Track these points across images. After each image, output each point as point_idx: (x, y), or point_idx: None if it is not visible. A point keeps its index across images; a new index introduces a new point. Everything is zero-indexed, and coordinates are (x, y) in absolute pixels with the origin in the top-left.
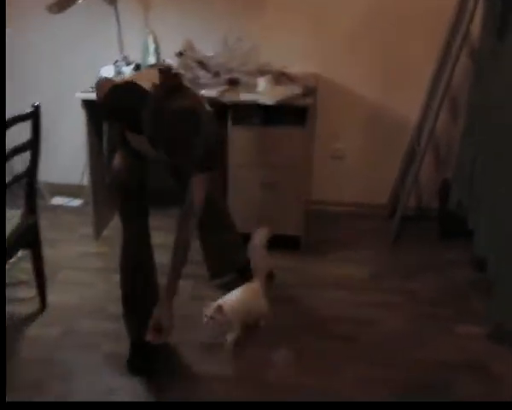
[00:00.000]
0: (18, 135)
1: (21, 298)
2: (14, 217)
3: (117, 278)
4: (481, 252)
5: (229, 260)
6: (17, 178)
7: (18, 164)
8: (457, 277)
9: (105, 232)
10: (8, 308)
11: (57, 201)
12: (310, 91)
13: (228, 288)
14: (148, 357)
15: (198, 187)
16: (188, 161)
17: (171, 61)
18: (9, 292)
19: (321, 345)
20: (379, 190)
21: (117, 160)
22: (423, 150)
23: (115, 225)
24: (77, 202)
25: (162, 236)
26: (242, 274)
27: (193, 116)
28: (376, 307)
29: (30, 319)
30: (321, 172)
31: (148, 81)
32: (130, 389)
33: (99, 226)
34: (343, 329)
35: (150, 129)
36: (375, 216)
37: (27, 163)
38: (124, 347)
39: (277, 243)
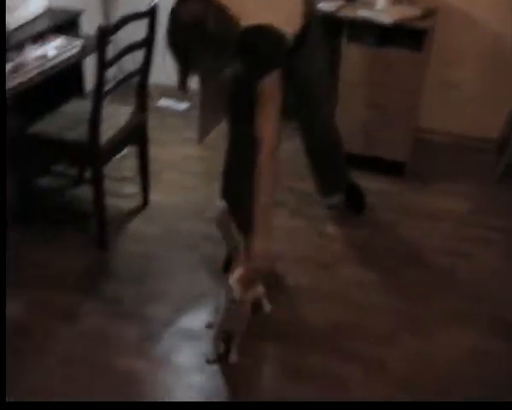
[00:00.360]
0: (132, 34)
1: (125, 194)
2: (124, 114)
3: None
4: None
5: (338, 179)
6: (129, 76)
7: (128, 63)
8: None
9: (208, 137)
10: (112, 202)
11: (164, 102)
12: (430, 14)
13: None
14: None
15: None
16: None
17: None
18: (114, 187)
19: (413, 274)
20: (491, 123)
21: None
22: None
23: (219, 131)
24: (183, 105)
25: None
26: (350, 195)
27: None
28: (474, 242)
29: (132, 214)
30: (432, 99)
31: None
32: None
33: (203, 131)
34: (437, 260)
35: None
36: (484, 150)
37: (137, 65)
38: (221, 251)
39: (381, 167)
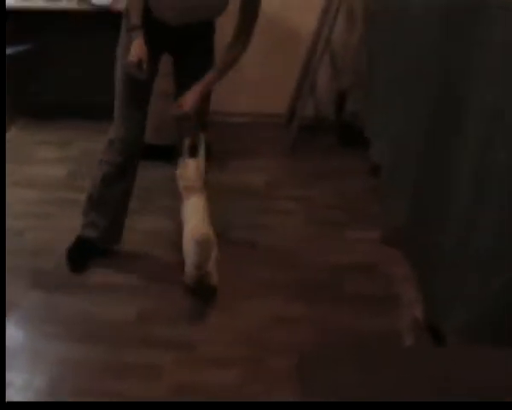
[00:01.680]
0: None
1: None
2: None
3: (11, 193)
4: (376, 158)
5: None
6: None
7: None
8: (354, 184)
9: None
10: None
11: None
12: None
13: None
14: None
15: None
16: None
17: None
18: None
19: (223, 251)
20: (277, 100)
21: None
22: (319, 59)
23: (9, 139)
24: None
25: None
26: None
27: None
28: (273, 213)
29: None
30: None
31: None
32: (26, 302)
33: None
34: (242, 235)
35: None
36: (273, 126)
37: None
38: (18, 261)
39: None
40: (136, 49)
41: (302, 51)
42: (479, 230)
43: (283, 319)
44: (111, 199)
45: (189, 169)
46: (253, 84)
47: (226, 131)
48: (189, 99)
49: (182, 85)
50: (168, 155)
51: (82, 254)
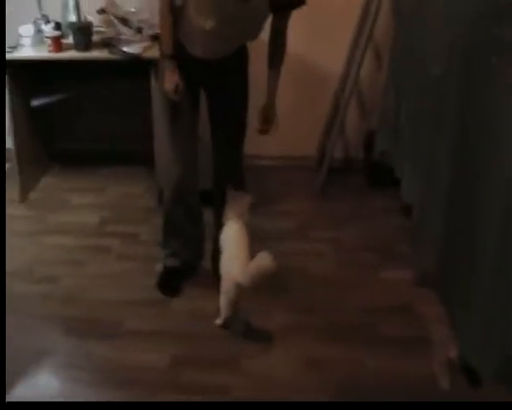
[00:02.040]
0: None
1: None
2: None
3: (44, 240)
4: (407, 198)
5: None
6: None
7: None
8: (385, 224)
9: (31, 195)
10: None
11: None
12: None
13: None
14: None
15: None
16: None
17: (92, 18)
18: None
19: (255, 294)
20: (306, 142)
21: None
22: (347, 100)
23: (43, 187)
24: None
25: None
26: None
27: None
28: (304, 255)
29: None
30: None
31: None
32: (61, 349)
33: (25, 189)
34: (274, 278)
35: None
36: (303, 168)
37: None
38: (52, 308)
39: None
40: (170, 77)
41: (330, 93)
42: (509, 271)
43: (318, 361)
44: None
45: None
46: (282, 127)
47: (255, 175)
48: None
49: (216, 124)
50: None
51: (172, 282)
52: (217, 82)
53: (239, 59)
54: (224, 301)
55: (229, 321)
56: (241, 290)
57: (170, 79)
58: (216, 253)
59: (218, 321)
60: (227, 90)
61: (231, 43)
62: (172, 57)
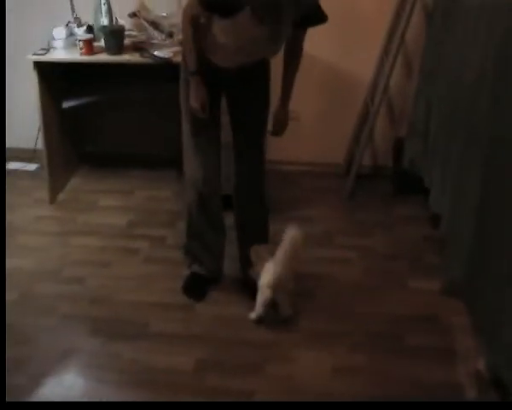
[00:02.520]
0: None
1: None
2: None
3: (72, 241)
4: (436, 208)
5: None
6: None
7: None
8: (413, 233)
9: (60, 196)
10: None
11: (13, 166)
12: None
13: None
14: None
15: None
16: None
17: (123, 21)
18: None
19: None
20: (335, 149)
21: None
22: (376, 108)
23: (71, 188)
24: (32, 167)
25: None
26: None
27: None
28: (332, 262)
29: None
30: None
31: None
32: (87, 349)
33: (54, 190)
34: (301, 285)
35: None
36: (331, 175)
37: None
38: (79, 308)
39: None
40: (196, 94)
41: (360, 100)
42: None
43: (343, 369)
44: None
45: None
46: (312, 133)
47: (284, 181)
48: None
49: (237, 130)
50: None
51: (198, 287)
52: (238, 89)
53: (260, 67)
54: (259, 298)
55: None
56: (276, 288)
57: (196, 96)
58: (244, 260)
59: (253, 315)
60: (248, 96)
61: (253, 57)
62: (197, 73)
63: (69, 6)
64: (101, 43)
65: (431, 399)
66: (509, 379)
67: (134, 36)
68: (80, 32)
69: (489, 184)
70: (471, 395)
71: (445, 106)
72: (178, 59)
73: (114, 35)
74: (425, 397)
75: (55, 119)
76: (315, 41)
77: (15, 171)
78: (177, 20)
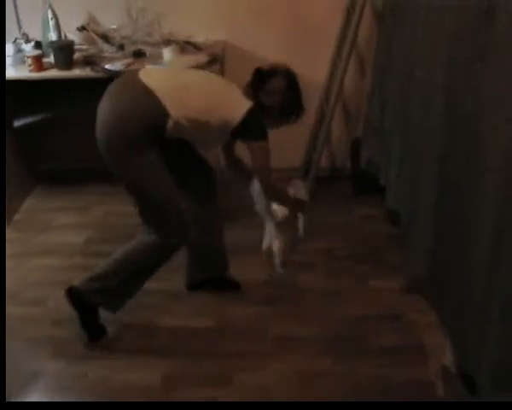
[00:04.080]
0: None
1: None
2: None
3: (30, 262)
4: (393, 206)
5: None
6: None
7: None
8: (373, 233)
9: (16, 217)
10: None
11: None
12: (216, 59)
13: None
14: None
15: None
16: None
17: (72, 36)
18: None
19: (243, 309)
20: (291, 153)
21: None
22: (332, 109)
23: (27, 208)
24: None
25: None
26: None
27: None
28: (295, 267)
29: None
30: None
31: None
32: (51, 371)
33: (9, 211)
34: (264, 292)
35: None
36: (288, 180)
37: None
38: (41, 330)
39: None
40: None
41: (314, 103)
42: (500, 276)
43: (308, 374)
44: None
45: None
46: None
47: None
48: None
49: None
50: None
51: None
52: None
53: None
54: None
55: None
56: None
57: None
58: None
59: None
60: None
61: None
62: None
63: (15, 21)
64: (51, 58)
65: (402, 398)
66: (475, 373)
67: (84, 50)
68: (28, 49)
69: (445, 181)
70: (439, 391)
71: (398, 105)
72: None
73: (63, 50)
74: (396, 397)
75: (7, 138)
76: (265, 42)
77: None
78: (128, 32)
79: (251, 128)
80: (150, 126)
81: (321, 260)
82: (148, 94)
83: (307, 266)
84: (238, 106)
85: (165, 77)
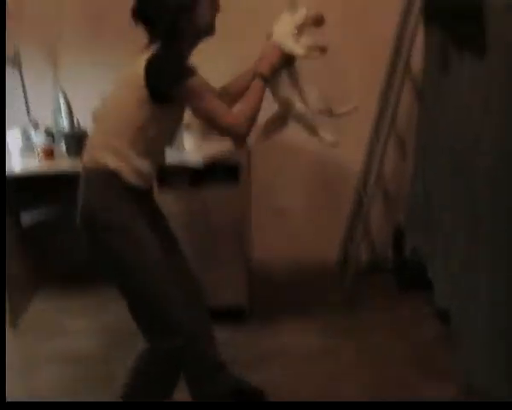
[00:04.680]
0: None
1: None
2: None
3: (38, 372)
4: (442, 303)
5: None
6: None
7: None
8: (421, 333)
9: (22, 320)
10: None
11: None
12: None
13: None
14: None
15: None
16: None
17: (85, 121)
18: None
19: None
20: (326, 245)
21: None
22: (370, 197)
23: (34, 310)
24: None
25: None
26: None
27: None
28: (334, 379)
29: None
30: (262, 230)
31: None
32: None
33: (15, 313)
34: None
35: None
36: (323, 274)
37: None
38: None
39: (218, 316)
40: None
41: (350, 190)
42: None
43: None
44: None
45: None
46: (297, 228)
47: (270, 285)
48: None
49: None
50: None
51: None
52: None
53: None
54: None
55: None
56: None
57: None
58: None
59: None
60: None
61: None
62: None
63: (24, 106)
64: (61, 146)
65: None
66: None
67: None
68: (38, 138)
69: (501, 269)
70: None
71: (442, 190)
72: None
73: (77, 140)
74: None
75: (13, 238)
76: (297, 128)
77: None
78: None
79: (161, 72)
80: None
81: (365, 363)
82: None
83: (350, 374)
84: (137, 68)
85: None
